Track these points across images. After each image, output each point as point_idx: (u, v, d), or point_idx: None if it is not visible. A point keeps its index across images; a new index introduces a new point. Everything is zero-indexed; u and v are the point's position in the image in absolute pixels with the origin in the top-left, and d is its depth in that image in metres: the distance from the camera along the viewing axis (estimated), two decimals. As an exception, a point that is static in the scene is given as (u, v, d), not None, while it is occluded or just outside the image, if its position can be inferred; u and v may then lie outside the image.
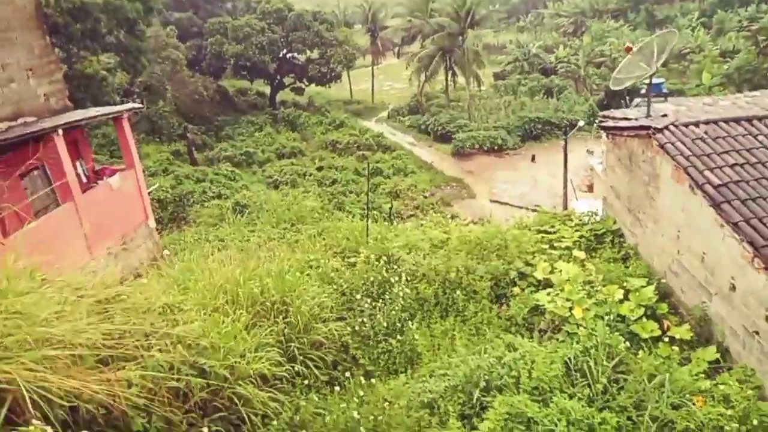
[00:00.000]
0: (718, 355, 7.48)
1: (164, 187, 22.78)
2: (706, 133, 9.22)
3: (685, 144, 8.99)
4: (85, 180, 17.23)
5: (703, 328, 8.11)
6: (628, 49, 12.03)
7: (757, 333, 7.13)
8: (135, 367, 5.51)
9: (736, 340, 7.58)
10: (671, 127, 9.37)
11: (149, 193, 18.15)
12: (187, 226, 18.34)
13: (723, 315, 7.87)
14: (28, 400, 3.99)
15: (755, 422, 5.88)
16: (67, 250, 11.97)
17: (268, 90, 55.00)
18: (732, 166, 8.43)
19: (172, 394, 5.88)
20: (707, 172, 8.35)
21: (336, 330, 8.44)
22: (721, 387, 6.61)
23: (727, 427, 5.71)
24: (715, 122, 9.47)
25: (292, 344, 7.93)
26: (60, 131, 14.69)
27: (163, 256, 14.70)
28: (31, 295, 4.95)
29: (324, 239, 13.73)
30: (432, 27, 51.41)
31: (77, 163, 17.00)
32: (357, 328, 8.60)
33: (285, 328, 8.08)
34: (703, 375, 6.98)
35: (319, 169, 34.68)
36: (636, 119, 10.97)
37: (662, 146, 9.13)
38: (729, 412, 5.98)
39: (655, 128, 9.43)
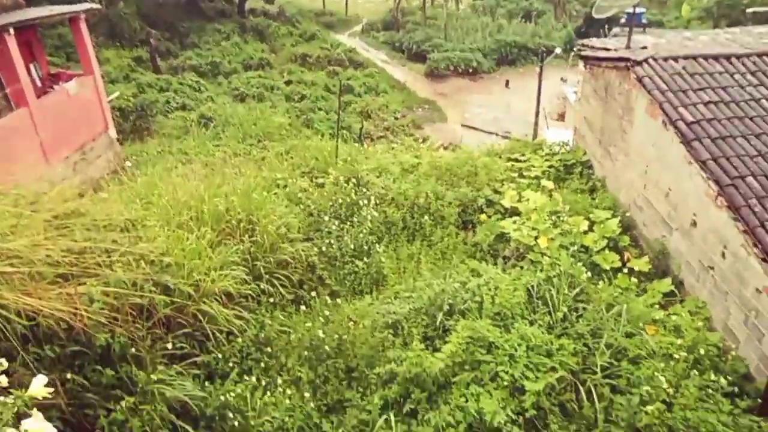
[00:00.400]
0: (672, 287, 7.74)
1: (125, 95, 21.74)
2: (684, 68, 9.13)
3: (663, 78, 8.91)
4: (39, 85, 16.32)
5: (660, 261, 8.35)
6: (614, -24, 11.65)
7: (712, 268, 7.37)
8: (96, 283, 5.40)
9: (691, 274, 7.84)
10: (650, 61, 9.24)
11: (109, 102, 17.34)
12: (149, 138, 17.67)
13: (681, 250, 8.09)
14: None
15: (702, 351, 6.17)
16: (22, 159, 11.46)
17: (236, -4, 52.25)
18: (706, 104, 8.41)
19: (136, 311, 5.83)
20: (681, 109, 8.33)
21: (303, 250, 8.42)
22: (674, 318, 6.90)
23: (675, 355, 5.98)
24: (694, 58, 9.38)
25: (258, 263, 7.91)
26: (11, 30, 13.71)
27: (125, 167, 14.28)
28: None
29: (292, 158, 13.50)
30: (412, -62, 49.03)
31: (31, 67, 16.02)
32: (324, 249, 8.60)
33: (251, 246, 8.02)
34: (657, 306, 7.24)
35: (288, 83, 33.56)
36: (615, 50, 10.78)
37: (640, 79, 9.03)
38: (679, 341, 6.25)
39: (634, 61, 9.29)
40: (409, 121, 30.42)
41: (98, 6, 21.02)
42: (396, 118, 30.32)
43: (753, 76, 8.92)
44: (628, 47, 10.85)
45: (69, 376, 5.01)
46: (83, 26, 16.39)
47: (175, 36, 38.35)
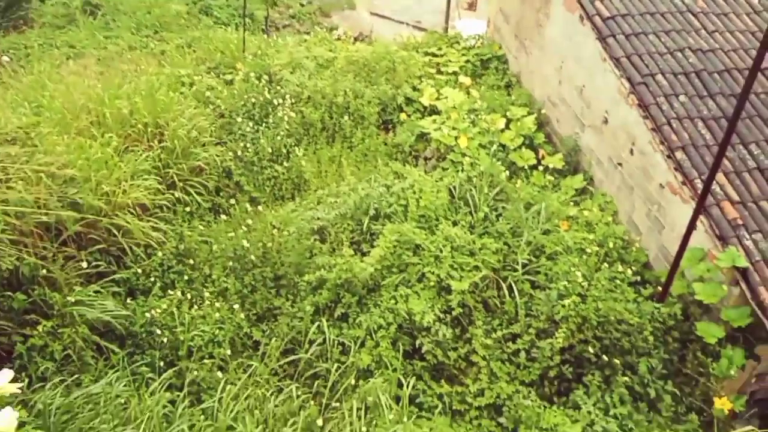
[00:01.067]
0: (585, 183, 8.11)
1: (-10, -26, 18.93)
2: (601, -41, 9.03)
3: (581, -30, 8.79)
4: None
5: (573, 157, 8.65)
6: None
7: (621, 164, 7.75)
8: (-7, 203, 4.92)
9: (601, 170, 8.23)
10: (569, -49, 9.05)
11: (-27, -17, 15.07)
12: (27, 28, 15.69)
13: (592, 146, 8.41)
14: None
15: (611, 245, 6.60)
16: None
17: None
18: (621, -1, 8.45)
19: (42, 230, 5.41)
20: (598, 3, 8.31)
21: (217, 155, 8.04)
22: (585, 213, 7.28)
23: (588, 250, 6.38)
24: (611, -52, 9.27)
25: (170, 170, 7.50)
26: None
27: (2, 63, 12.73)
28: None
29: (195, 51, 12.50)
30: None
31: None
32: (239, 153, 8.24)
33: (161, 153, 7.56)
34: (571, 202, 7.60)
35: (181, -37, 30.54)
36: (533, -63, 10.46)
37: (558, -29, 8.87)
38: (591, 236, 6.64)
39: (553, -50, 9.06)
40: (315, 8, 28.79)
41: None
42: (302, 5, 28.63)
43: (665, -30, 9.00)
44: (546, -65, 10.56)
45: (-26, 304, 4.66)
46: None
47: None
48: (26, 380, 4.62)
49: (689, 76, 7.53)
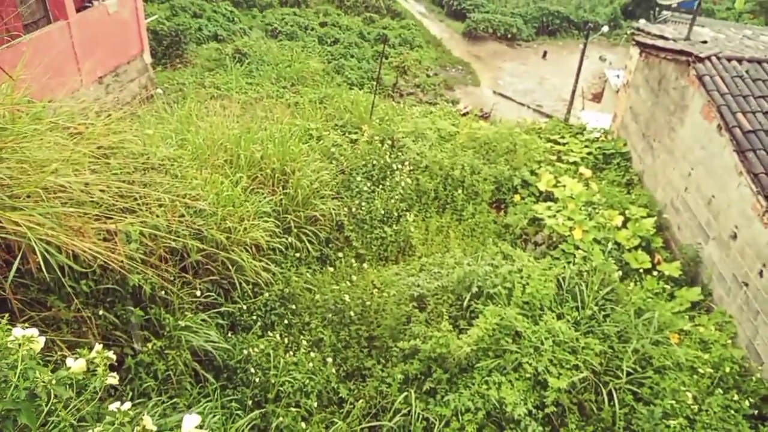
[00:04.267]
0: (702, 298, 7.63)
1: (160, 17, 21.28)
2: (747, 72, 8.78)
3: (724, 80, 8.57)
4: (77, -4, 15.88)
5: (691, 267, 8.21)
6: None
7: (746, 284, 7.24)
8: (134, 222, 5.35)
9: (722, 286, 7.72)
10: (713, 59, 8.88)
11: (147, 23, 16.99)
12: (182, 66, 17.37)
13: (715, 260, 7.94)
14: (38, 254, 3.82)
15: (727, 369, 6.10)
16: (58, 74, 11.24)
17: (278, -75, 50.42)
18: (765, 113, 8.11)
19: (168, 253, 5.80)
20: (740, 115, 8.04)
21: (333, 208, 8.33)
22: (700, 330, 6.82)
23: (701, 370, 5.93)
24: (759, 62, 9.00)
25: (289, 216, 7.84)
26: (55, -63, 13.23)
27: (155, 95, 14.10)
28: (31, 137, 4.60)
29: (325, 108, 13.24)
30: None
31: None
32: (354, 209, 8.51)
33: (283, 198, 7.94)
34: (685, 315, 7.16)
35: (323, 24, 32.65)
36: (674, 40, 10.38)
37: (700, 78, 8.69)
38: (705, 356, 6.18)
39: (696, 57, 8.92)
40: (440, 80, 29.76)
41: None
42: (428, 76, 29.68)
43: (818, 90, 8.57)
44: (687, 39, 10.47)
45: (101, 312, 5.02)
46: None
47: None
48: (129, 394, 4.87)
49: (836, 204, 7.02)
